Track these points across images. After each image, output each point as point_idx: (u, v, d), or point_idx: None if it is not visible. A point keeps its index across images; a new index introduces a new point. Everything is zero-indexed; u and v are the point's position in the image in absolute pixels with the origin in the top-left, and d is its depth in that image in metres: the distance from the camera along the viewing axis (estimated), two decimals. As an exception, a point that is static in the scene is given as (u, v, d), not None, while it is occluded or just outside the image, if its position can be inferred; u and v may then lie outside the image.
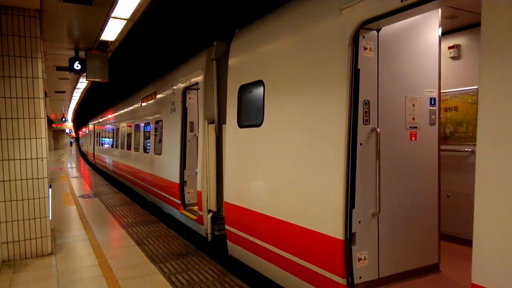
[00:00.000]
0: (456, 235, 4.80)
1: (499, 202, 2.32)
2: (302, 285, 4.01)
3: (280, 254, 4.32)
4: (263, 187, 4.79)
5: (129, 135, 13.61)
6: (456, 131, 4.98)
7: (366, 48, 3.63)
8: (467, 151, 4.80)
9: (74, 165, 25.68)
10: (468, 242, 4.64)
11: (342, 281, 3.45)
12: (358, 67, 3.54)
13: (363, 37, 3.57)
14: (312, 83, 3.94)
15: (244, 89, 5.33)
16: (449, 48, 5.07)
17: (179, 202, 7.78)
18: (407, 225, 3.92)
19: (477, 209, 2.43)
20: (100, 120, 22.90)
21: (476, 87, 4.75)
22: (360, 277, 3.55)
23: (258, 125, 4.85)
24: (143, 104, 11.60)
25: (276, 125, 4.54)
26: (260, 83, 4.85)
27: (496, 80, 2.36)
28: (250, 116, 5.24)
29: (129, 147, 13.45)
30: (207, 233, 6.43)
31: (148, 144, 10.70)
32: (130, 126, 13.37)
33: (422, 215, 4.03)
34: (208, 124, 6.48)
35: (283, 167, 4.35)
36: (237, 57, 5.54)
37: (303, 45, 4.12)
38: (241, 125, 5.32)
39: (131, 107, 13.54)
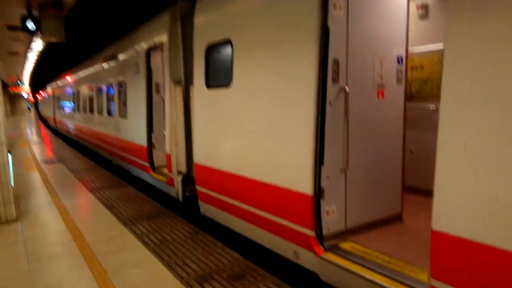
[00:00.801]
0: (420, 188, 5.07)
1: (459, 155, 2.45)
2: (273, 238, 4.15)
3: (252, 211, 4.42)
4: (233, 147, 4.81)
5: (91, 98, 13.10)
6: (421, 89, 5.12)
7: (336, 6, 3.59)
8: (431, 108, 4.98)
9: (34, 131, 24.61)
10: (429, 194, 4.92)
11: (312, 233, 3.60)
12: (328, 26, 3.52)
13: None
14: (282, 42, 3.89)
15: (211, 49, 5.19)
16: (417, 7, 5.10)
17: (148, 165, 7.69)
18: (373, 180, 4.09)
19: (439, 160, 2.56)
20: (60, 83, 21.82)
21: (442, 46, 4.87)
22: (328, 229, 3.71)
23: (227, 85, 4.78)
24: (105, 65, 11.11)
25: (245, 85, 4.49)
26: (228, 42, 4.73)
27: (461, 40, 2.41)
28: (219, 76, 5.14)
29: (92, 111, 12.98)
30: (178, 195, 6.44)
31: (112, 107, 10.36)
32: (92, 89, 12.84)
33: (387, 170, 4.21)
34: (174, 85, 6.31)
35: (253, 127, 4.36)
36: (204, 16, 5.35)
37: (272, 2, 4.02)
38: (209, 85, 5.23)
39: (92, 69, 12.94)
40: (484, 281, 2.34)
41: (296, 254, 3.87)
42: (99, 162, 11.86)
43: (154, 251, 4.57)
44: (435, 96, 4.88)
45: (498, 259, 2.26)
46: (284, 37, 3.86)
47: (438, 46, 4.89)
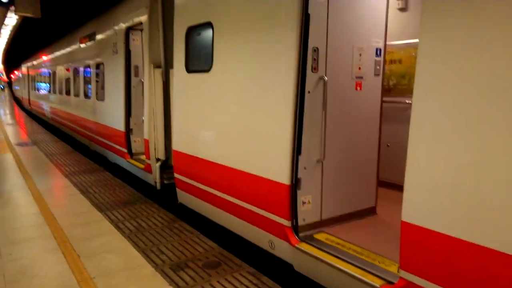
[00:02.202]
0: (393, 182, 5.16)
1: (428, 149, 2.49)
2: (249, 228, 4.16)
3: (229, 200, 4.42)
4: (212, 134, 4.76)
5: (67, 79, 12.70)
6: (398, 84, 5.17)
7: None
8: (407, 103, 5.03)
9: (8, 112, 23.81)
10: (402, 188, 5.01)
11: (287, 223, 3.63)
12: (309, 12, 3.48)
13: None
14: (263, 27, 3.84)
15: (192, 31, 5.08)
16: (398, -1, 5.11)
17: (126, 151, 7.56)
18: (349, 172, 4.13)
19: (410, 153, 2.60)
20: (35, 62, 21.06)
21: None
22: (304, 219, 3.74)
23: (207, 70, 4.70)
24: (82, 45, 10.75)
25: (225, 71, 4.43)
26: (209, 25, 4.64)
27: (435, 34, 2.43)
28: (199, 60, 5.05)
29: (68, 93, 12.61)
30: (155, 182, 6.37)
31: (90, 89, 10.08)
32: (68, 70, 12.45)
33: (363, 163, 4.26)
34: (154, 68, 6.17)
35: (232, 114, 4.32)
36: (185, -3, 5.21)
37: (254, -13, 3.94)
38: (189, 70, 5.14)
39: (69, 48, 12.51)
40: (450, 272, 2.41)
41: (271, 244, 3.90)
42: (76, 147, 11.59)
43: (129, 238, 4.53)
44: (412, 90, 4.93)
45: (464, 251, 2.32)
46: (265, 22, 3.81)
47: (416, 40, 4.92)
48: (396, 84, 5.19)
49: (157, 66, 6.20)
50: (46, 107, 17.58)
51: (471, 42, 2.25)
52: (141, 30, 7.11)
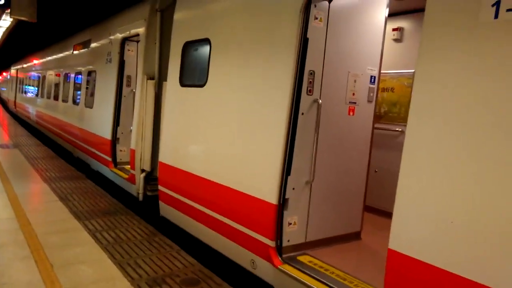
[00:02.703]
0: (379, 208, 5.16)
1: (421, 177, 2.49)
2: (232, 246, 4.07)
3: (213, 216, 4.33)
4: (202, 149, 4.71)
5: (57, 84, 12.56)
6: (390, 111, 5.24)
7: (317, 18, 3.61)
8: (397, 130, 5.09)
9: (-9, 112, 23.32)
10: (388, 215, 5.01)
11: (272, 243, 3.56)
12: (308, 36, 3.53)
13: (315, 6, 3.55)
14: (261, 48, 3.87)
15: (189, 46, 5.10)
16: (393, 30, 5.24)
17: (110, 159, 7.42)
18: (336, 195, 4.11)
19: (401, 181, 2.59)
20: (25, 65, 20.84)
21: (413, 70, 5.02)
22: (289, 240, 3.68)
23: (202, 86, 4.69)
24: (75, 52, 10.70)
25: (220, 87, 4.42)
26: (206, 41, 4.66)
27: (432, 65, 2.47)
28: (194, 75, 5.05)
29: (56, 98, 12.44)
30: (138, 193, 6.23)
31: (79, 96, 9.97)
32: (59, 75, 12.32)
33: (351, 187, 4.25)
34: (147, 79, 6.14)
35: (224, 131, 4.29)
36: (184, 12, 5.25)
37: (254, 7, 3.99)
38: (183, 83, 5.12)
39: (61, 54, 12.44)
40: (435, 304, 2.37)
41: (253, 264, 3.81)
42: (59, 152, 11.35)
43: (106, 249, 4.38)
44: (402, 119, 5.01)
45: (451, 284, 2.29)
46: (263, 43, 3.84)
47: (409, 70, 5.03)
48: (387, 112, 5.26)
49: (150, 77, 6.17)
50: (31, 110, 17.29)
51: (468, 72, 2.29)
52: (137, 41, 7.12)
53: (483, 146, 2.19)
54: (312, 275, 3.30)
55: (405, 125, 2.61)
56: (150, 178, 6.20)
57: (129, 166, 6.87)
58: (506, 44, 2.13)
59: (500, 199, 2.11)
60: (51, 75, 13.69)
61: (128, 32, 7.02)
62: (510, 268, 2.06)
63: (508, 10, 2.12)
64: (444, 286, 2.32)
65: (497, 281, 2.09)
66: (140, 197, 6.18)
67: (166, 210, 5.40)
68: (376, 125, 4.56)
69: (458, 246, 2.27)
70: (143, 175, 6.12)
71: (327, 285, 3.15)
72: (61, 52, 12.56)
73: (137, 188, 6.24)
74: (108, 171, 7.56)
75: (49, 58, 14.34)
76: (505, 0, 2.14)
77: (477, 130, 2.22)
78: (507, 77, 2.11)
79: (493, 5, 2.19)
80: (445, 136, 2.37)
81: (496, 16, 2.17)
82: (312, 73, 3.67)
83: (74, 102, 10.31)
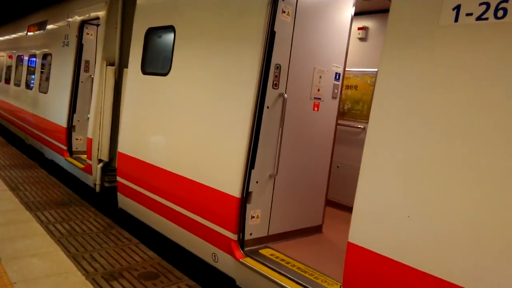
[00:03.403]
0: (340, 202, 5.27)
1: (380, 173, 2.55)
2: (193, 239, 4.01)
3: (174, 209, 4.24)
4: (163, 140, 4.58)
5: (9, 67, 11.80)
6: (353, 108, 5.35)
7: (285, 12, 3.59)
8: (359, 127, 5.21)
9: None
10: (349, 209, 5.13)
11: (234, 236, 3.53)
12: (275, 30, 3.50)
13: None
14: (227, 39, 3.80)
15: (152, 33, 4.92)
16: (359, 29, 5.33)
17: (65, 148, 7.07)
18: (299, 189, 4.14)
19: (361, 177, 2.65)
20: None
21: (376, 69, 5.14)
22: (251, 234, 3.67)
23: (165, 74, 4.55)
24: (30, 33, 10.08)
25: (184, 77, 4.31)
26: (171, 28, 4.52)
27: (394, 63, 2.52)
28: (157, 63, 4.89)
29: (7, 81, 11.69)
30: (95, 184, 5.98)
31: (32, 80, 9.41)
32: (12, 57, 11.58)
33: (313, 181, 4.30)
34: (107, 65, 5.88)
35: (187, 121, 4.19)
36: (149, -3, 5.06)
37: (222, -3, 3.91)
38: (145, 71, 4.94)
39: (14, 35, 11.68)
40: (391, 296, 2.45)
41: (215, 257, 3.77)
42: (10, 139, 10.69)
43: (59, 242, 4.17)
44: (365, 116, 5.13)
45: (406, 276, 2.37)
46: (230, 34, 3.77)
47: (373, 69, 5.15)
48: (350, 109, 5.37)
49: (110, 63, 5.92)
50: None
51: (428, 71, 2.36)
52: (97, 25, 6.79)
53: (441, 143, 2.27)
54: (274, 268, 3.31)
55: (367, 122, 2.65)
56: (108, 169, 5.97)
57: (85, 155, 6.58)
58: (464, 46, 2.21)
59: (456, 194, 2.20)
60: (2, 57, 12.84)
61: (87, 15, 6.69)
62: (464, 260, 2.15)
63: (467, 15, 2.20)
64: (401, 279, 2.40)
65: (453, 274, 2.18)
66: (97, 188, 5.94)
67: (124, 202, 5.23)
68: (339, 122, 4.63)
69: (415, 240, 2.35)
70: (100, 165, 5.89)
71: (288, 277, 3.18)
72: (14, 33, 11.79)
73: (94, 178, 5.99)
74: (63, 161, 7.21)
75: (1, 38, 13.43)
76: (465, 4, 2.21)
77: (436, 127, 2.30)
78: (466, 75, 2.20)
79: (453, 9, 2.26)
80: (404, 133, 2.44)
81: (456, 20, 2.25)
82: (278, 67, 3.66)
83: (28, 86, 9.73)
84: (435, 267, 2.25)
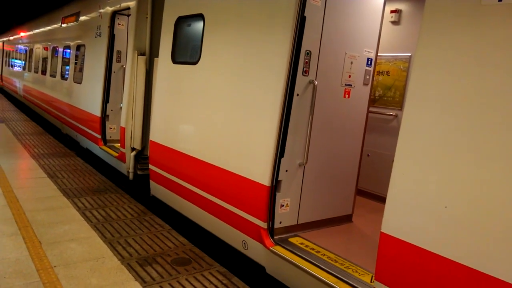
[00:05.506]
0: (370, 191, 5.17)
1: (416, 162, 2.47)
2: (223, 226, 4.06)
3: (205, 196, 4.30)
4: (194, 128, 4.63)
5: (45, 58, 12.22)
6: (384, 95, 5.19)
7: None
8: (391, 115, 5.06)
9: (-24, 86, 22.74)
10: (379, 198, 5.04)
11: (264, 224, 3.54)
12: (305, 15, 3.43)
13: None
14: (257, 25, 3.75)
15: (181, 22, 4.94)
16: (391, 12, 5.14)
17: (99, 137, 7.30)
18: (329, 178, 4.09)
19: (396, 166, 2.57)
20: (11, 38, 20.25)
21: (409, 54, 4.95)
22: (280, 222, 3.67)
23: (194, 63, 4.58)
24: (64, 25, 10.37)
25: (214, 65, 4.32)
26: (200, 17, 4.52)
27: (432, 49, 2.41)
28: (186, 52, 4.92)
29: (44, 72, 12.13)
30: (128, 172, 6.16)
31: (67, 71, 9.72)
32: (47, 49, 11.98)
33: (343, 170, 4.23)
34: (138, 55, 5.98)
35: (217, 110, 4.21)
36: (178, -15, 5.06)
37: (251, -17, 3.86)
38: (175, 60, 4.99)
39: (49, 27, 12.06)
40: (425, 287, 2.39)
41: (245, 245, 3.81)
42: (47, 128, 11.14)
43: (95, 227, 4.33)
44: (397, 103, 4.98)
45: (442, 267, 2.31)
46: (259, 20, 3.72)
47: (406, 54, 4.97)
48: (382, 95, 5.21)
49: (141, 53, 6.01)
50: (18, 85, 16.89)
51: (469, 58, 2.24)
52: (128, 15, 6.90)
53: (481, 134, 2.16)
54: (304, 256, 3.31)
55: (400, 109, 2.56)
56: (141, 157, 6.12)
57: (119, 144, 6.77)
58: (511, 28, 2.07)
59: (495, 186, 2.10)
60: (38, 49, 13.30)
61: (118, 6, 6.79)
62: (502, 253, 2.06)
63: None
64: (437, 270, 2.34)
65: (490, 266, 2.10)
66: (131, 176, 6.11)
67: (157, 189, 5.35)
68: (370, 109, 4.51)
69: (452, 231, 2.27)
70: (133, 153, 6.04)
71: (318, 266, 3.16)
72: (49, 25, 12.17)
73: (127, 166, 6.16)
74: (97, 149, 7.45)
75: (37, 31, 13.91)
76: None
77: (475, 118, 2.19)
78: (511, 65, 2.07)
79: None
80: (442, 122, 2.34)
81: None
82: (308, 53, 3.59)
83: (63, 77, 10.06)
84: (474, 260, 2.17)
